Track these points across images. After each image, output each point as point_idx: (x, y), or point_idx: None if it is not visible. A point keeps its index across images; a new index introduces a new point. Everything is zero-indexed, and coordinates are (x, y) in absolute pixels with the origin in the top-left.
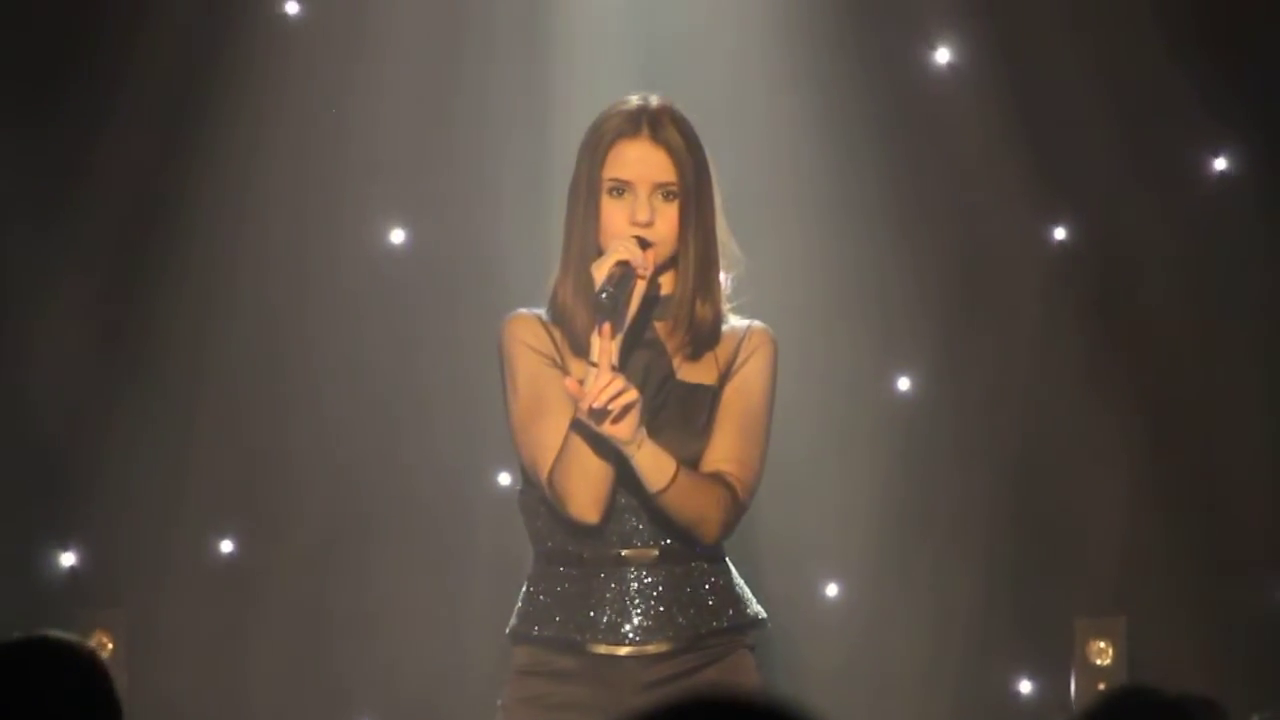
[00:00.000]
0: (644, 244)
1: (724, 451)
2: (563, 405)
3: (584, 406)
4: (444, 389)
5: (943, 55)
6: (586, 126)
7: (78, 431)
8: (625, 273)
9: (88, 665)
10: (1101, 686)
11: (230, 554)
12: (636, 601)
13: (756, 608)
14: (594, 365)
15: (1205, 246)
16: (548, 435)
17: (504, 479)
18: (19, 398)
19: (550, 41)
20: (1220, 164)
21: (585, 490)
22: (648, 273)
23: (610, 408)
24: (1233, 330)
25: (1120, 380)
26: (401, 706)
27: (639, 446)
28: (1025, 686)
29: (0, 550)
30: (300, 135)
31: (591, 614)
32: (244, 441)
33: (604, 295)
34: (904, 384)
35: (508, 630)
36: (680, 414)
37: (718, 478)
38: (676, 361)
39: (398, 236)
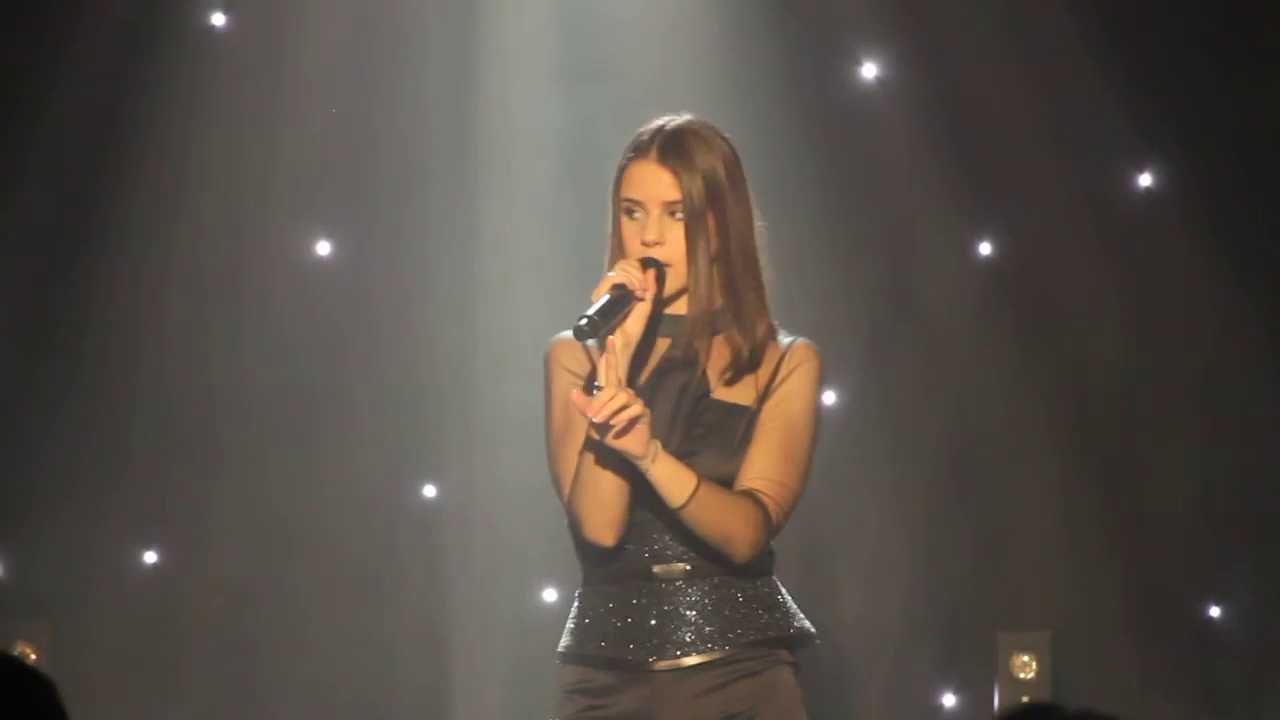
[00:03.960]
0: (654, 263)
1: (758, 469)
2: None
3: (589, 421)
4: (368, 401)
5: (869, 70)
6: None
7: (1, 442)
8: (618, 296)
9: (38, 686)
10: (1025, 700)
11: (154, 565)
12: (670, 616)
13: (800, 623)
14: (598, 388)
15: (1131, 262)
16: (570, 458)
17: (429, 491)
18: None
19: (480, 55)
20: (1145, 180)
21: (598, 512)
22: (647, 294)
23: (613, 422)
24: (1158, 347)
25: (1046, 395)
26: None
27: (653, 460)
28: (949, 700)
29: None
30: (227, 146)
31: (630, 629)
32: (169, 453)
33: (584, 322)
34: (829, 399)
35: (557, 650)
36: (716, 433)
37: (748, 494)
38: (714, 381)
39: (323, 248)
